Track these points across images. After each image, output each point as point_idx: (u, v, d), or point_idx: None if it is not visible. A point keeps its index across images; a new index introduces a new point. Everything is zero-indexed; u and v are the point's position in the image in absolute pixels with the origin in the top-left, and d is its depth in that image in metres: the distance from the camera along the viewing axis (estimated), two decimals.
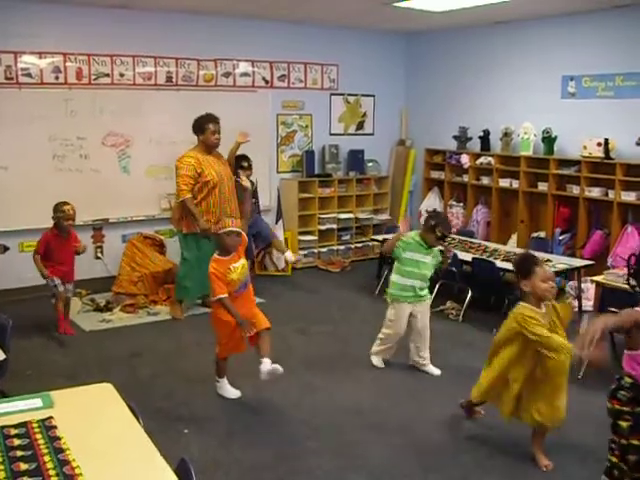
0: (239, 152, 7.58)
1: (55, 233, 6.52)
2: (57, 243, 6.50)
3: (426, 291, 5.78)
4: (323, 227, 9.61)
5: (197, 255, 7.02)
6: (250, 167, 7.95)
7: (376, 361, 5.91)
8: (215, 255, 5.00)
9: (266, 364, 4.87)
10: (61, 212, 6.45)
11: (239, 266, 4.98)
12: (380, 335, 5.84)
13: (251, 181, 7.83)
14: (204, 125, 6.96)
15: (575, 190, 7.91)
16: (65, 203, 6.50)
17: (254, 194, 8.15)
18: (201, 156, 6.94)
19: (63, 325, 6.62)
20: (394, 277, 5.69)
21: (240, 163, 7.75)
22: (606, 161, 7.52)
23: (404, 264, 5.61)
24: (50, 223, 6.52)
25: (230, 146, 7.37)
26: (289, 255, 8.12)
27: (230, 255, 4.95)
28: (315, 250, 9.59)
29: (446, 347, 6.31)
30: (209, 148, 7.01)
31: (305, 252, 9.46)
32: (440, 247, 5.71)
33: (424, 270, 5.63)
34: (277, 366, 4.87)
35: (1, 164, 7.45)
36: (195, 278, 7.04)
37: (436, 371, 5.74)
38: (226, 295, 4.87)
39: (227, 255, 4.95)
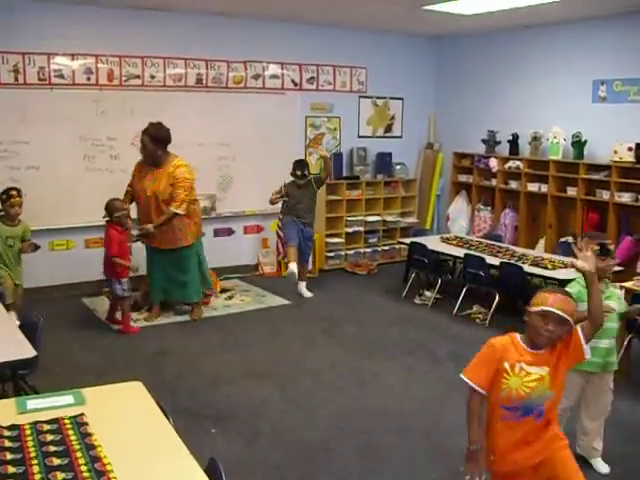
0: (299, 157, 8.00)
1: (119, 230, 6.65)
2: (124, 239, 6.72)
3: (614, 356, 4.24)
4: (350, 229, 9.61)
5: (150, 258, 7.11)
6: (304, 176, 8.04)
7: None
8: None
9: None
10: (118, 210, 6.57)
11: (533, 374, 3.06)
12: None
13: (311, 184, 8.14)
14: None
15: (605, 195, 7.85)
16: (117, 199, 6.69)
17: (313, 196, 8.25)
18: (141, 166, 6.91)
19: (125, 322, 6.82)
20: None
21: (300, 171, 7.99)
22: (637, 166, 7.46)
23: None
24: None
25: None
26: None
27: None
28: (342, 252, 9.60)
29: (472, 352, 6.27)
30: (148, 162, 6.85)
31: (332, 254, 9.47)
32: (617, 288, 4.29)
33: (609, 322, 4.00)
34: None
35: (33, 164, 7.55)
36: (155, 280, 7.11)
37: (604, 468, 4.27)
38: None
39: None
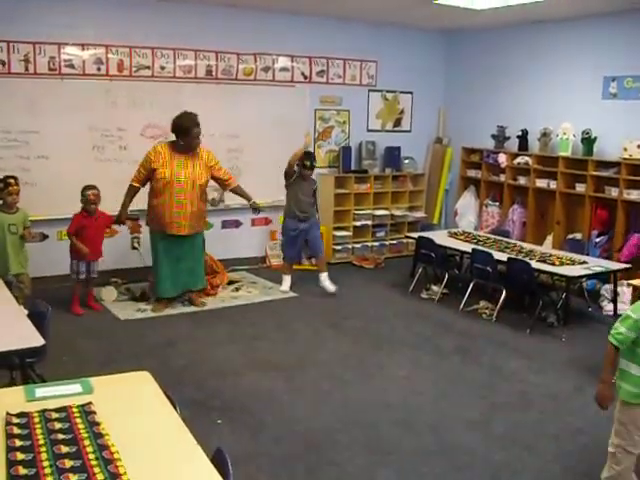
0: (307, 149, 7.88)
1: (84, 215, 6.97)
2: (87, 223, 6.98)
3: None
4: (358, 223, 9.62)
5: (162, 251, 7.05)
6: (312, 167, 7.91)
7: None
8: None
9: None
10: (83, 196, 6.91)
11: None
12: (610, 448, 3.60)
13: (313, 180, 8.09)
14: (189, 129, 6.76)
15: (614, 192, 7.83)
16: (88, 188, 6.93)
17: (313, 194, 8.12)
18: (171, 153, 6.85)
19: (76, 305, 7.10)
20: (632, 367, 3.52)
21: (303, 161, 7.80)
22: None
23: None
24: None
25: (295, 150, 7.64)
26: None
27: None
28: (349, 246, 9.61)
29: (478, 347, 6.30)
30: (186, 150, 6.87)
31: (340, 247, 9.48)
32: None
33: None
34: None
35: (42, 153, 7.57)
36: (165, 275, 7.08)
37: None
38: None
39: None
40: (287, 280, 8.05)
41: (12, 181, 6.55)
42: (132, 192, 7.05)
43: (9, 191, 6.50)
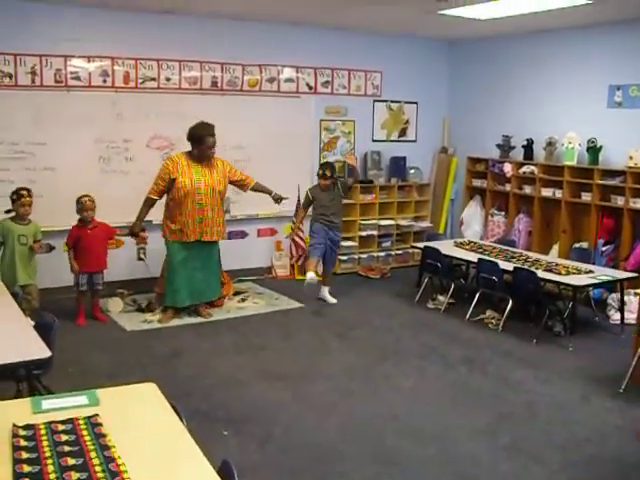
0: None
1: (79, 225, 7.06)
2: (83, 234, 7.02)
3: None
4: (364, 233, 9.61)
5: (180, 261, 7.07)
6: (330, 177, 7.88)
7: None
8: None
9: None
10: (78, 205, 7.00)
11: None
12: None
13: (334, 191, 7.98)
14: (203, 138, 6.85)
15: (620, 201, 7.82)
16: (82, 196, 7.01)
17: (337, 205, 8.12)
18: (188, 162, 6.94)
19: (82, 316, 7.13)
20: None
21: (322, 170, 7.90)
22: None
23: None
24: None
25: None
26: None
27: None
28: (355, 256, 9.61)
29: (485, 356, 6.29)
30: (201, 159, 6.96)
31: (345, 258, 9.48)
32: None
33: None
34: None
35: (49, 165, 7.61)
36: (182, 284, 7.11)
37: None
38: None
39: None
40: (311, 273, 7.69)
41: (25, 193, 6.60)
42: (149, 204, 7.09)
43: (22, 202, 6.56)
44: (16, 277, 6.50)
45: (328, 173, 7.86)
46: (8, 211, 6.69)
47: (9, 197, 6.63)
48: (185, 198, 6.87)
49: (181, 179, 6.85)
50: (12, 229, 6.56)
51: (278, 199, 7.48)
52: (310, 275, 7.60)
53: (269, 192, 7.48)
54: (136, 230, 7.20)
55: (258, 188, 7.44)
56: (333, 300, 8.04)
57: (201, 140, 6.85)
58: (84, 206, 6.96)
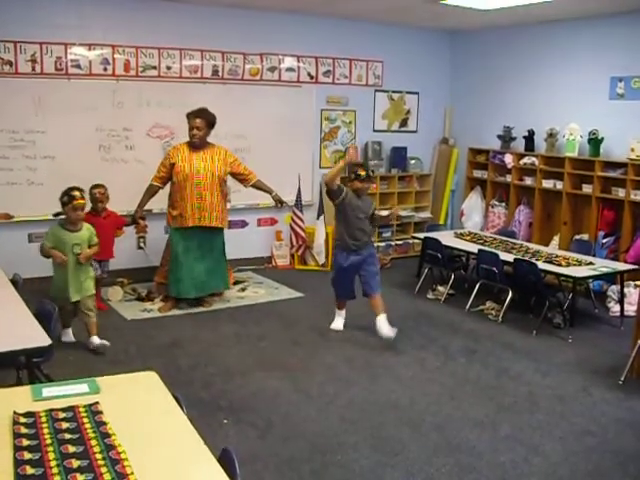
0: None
1: (92, 214, 6.87)
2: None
3: None
4: None
5: (181, 251, 7.06)
6: (366, 178, 6.36)
7: None
8: None
9: None
10: (90, 195, 6.83)
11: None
12: None
13: (369, 199, 6.71)
14: (187, 118, 6.94)
15: (620, 193, 7.81)
16: (95, 186, 6.94)
17: (371, 217, 6.55)
18: (190, 150, 6.96)
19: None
20: None
21: (355, 172, 6.44)
22: None
23: None
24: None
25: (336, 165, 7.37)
26: None
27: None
28: None
29: (485, 347, 6.29)
30: (192, 144, 6.96)
31: None
32: None
33: None
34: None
35: (49, 153, 7.59)
36: (185, 274, 7.08)
37: None
38: None
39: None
40: (340, 317, 6.79)
41: (77, 194, 5.62)
42: (152, 191, 7.10)
43: (74, 205, 5.60)
44: (68, 295, 5.69)
45: (362, 173, 6.34)
46: (57, 214, 5.78)
47: (59, 199, 5.67)
48: (185, 182, 6.87)
49: (180, 163, 6.87)
50: (65, 239, 5.64)
51: (278, 201, 7.40)
52: (336, 324, 6.78)
53: (270, 191, 7.36)
54: (137, 216, 7.19)
55: (259, 185, 7.33)
56: (391, 334, 6.24)
57: (188, 122, 6.91)
58: (94, 198, 6.90)
